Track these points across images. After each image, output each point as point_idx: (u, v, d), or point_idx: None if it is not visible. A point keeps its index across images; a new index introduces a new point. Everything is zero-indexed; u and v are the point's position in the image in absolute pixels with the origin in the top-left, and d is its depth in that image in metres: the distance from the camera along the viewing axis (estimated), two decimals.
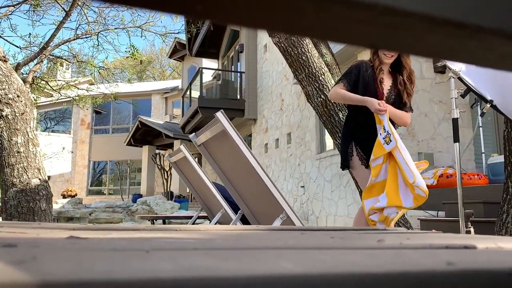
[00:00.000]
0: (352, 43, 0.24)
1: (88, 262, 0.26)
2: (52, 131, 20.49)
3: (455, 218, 3.58)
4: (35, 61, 6.84)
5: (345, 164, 2.75)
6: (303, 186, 9.30)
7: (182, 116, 14.17)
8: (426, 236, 0.67)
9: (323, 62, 3.83)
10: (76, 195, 17.28)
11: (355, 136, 2.69)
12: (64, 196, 16.88)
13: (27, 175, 3.39)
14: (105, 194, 20.33)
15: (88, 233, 0.58)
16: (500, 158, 4.72)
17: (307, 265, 0.26)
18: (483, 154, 5.78)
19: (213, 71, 14.77)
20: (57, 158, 17.81)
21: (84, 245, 0.37)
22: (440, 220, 4.57)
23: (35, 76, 8.50)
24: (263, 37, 11.49)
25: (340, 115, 3.62)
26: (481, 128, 5.80)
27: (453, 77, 3.15)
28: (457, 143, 3.17)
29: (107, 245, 0.37)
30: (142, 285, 0.20)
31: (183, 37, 14.97)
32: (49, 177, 17.98)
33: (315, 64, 3.70)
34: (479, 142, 5.86)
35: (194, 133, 2.88)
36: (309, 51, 3.72)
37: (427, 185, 2.53)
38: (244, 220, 3.13)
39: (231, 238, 0.54)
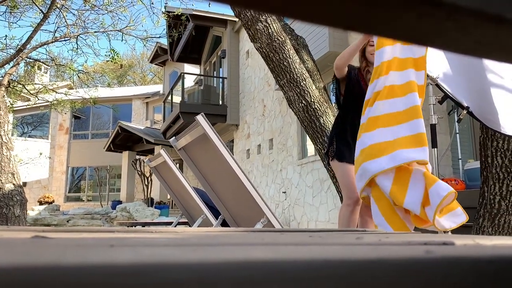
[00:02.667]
0: (326, 23, 0.23)
1: (39, 253, 0.24)
2: (29, 136, 20.03)
3: None
4: (11, 64, 6.68)
5: (326, 156, 2.81)
6: (284, 192, 9.32)
7: (163, 122, 14.05)
8: (405, 235, 0.67)
9: (304, 68, 3.86)
10: (53, 201, 16.88)
11: (338, 134, 2.72)
12: (41, 203, 16.47)
13: (0, 180, 3.28)
14: (83, 200, 19.92)
15: (57, 234, 0.55)
16: (476, 164, 4.83)
17: (280, 254, 0.25)
18: (460, 160, 5.90)
19: (195, 76, 14.72)
20: (34, 164, 17.40)
21: (47, 243, 0.35)
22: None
23: (11, 79, 8.29)
24: (245, 43, 11.52)
25: (321, 121, 3.64)
26: (458, 135, 5.93)
27: (430, 84, 3.21)
28: (435, 149, 3.23)
29: (72, 242, 0.35)
30: (91, 270, 0.18)
31: (164, 42, 14.88)
32: (25, 183, 17.54)
33: (296, 70, 3.72)
34: (456, 148, 5.99)
35: (174, 137, 2.84)
36: (291, 57, 3.74)
37: None
38: (225, 226, 3.10)
39: (207, 237, 0.53)
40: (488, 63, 2.92)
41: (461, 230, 3.96)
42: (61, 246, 0.29)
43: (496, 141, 3.07)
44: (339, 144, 2.66)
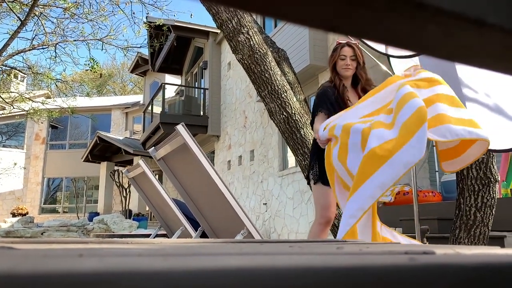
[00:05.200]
0: (309, 24, 0.22)
1: None
2: (3, 146, 19.48)
3: (411, 234, 3.67)
4: None
5: (307, 178, 2.79)
6: (265, 204, 9.29)
7: (143, 132, 13.89)
8: (386, 245, 0.66)
9: (285, 80, 3.88)
10: (27, 213, 16.38)
11: (319, 154, 2.69)
12: (14, 215, 15.96)
13: None
14: (59, 212, 19.42)
15: (26, 245, 0.53)
16: (453, 176, 4.93)
17: (258, 263, 0.23)
18: (437, 172, 6.02)
19: (176, 87, 14.66)
20: (7, 174, 16.90)
21: (10, 253, 0.33)
22: None
23: None
24: (227, 55, 11.57)
25: (302, 132, 3.66)
26: (434, 148, 6.06)
27: None
28: None
29: (39, 252, 0.33)
30: (47, 279, 0.16)
31: (145, 52, 14.80)
32: None
33: (277, 82, 3.74)
34: (433, 160, 6.12)
35: (153, 147, 2.80)
36: (272, 69, 3.77)
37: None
38: (205, 237, 3.06)
39: (183, 248, 0.51)
40: (463, 77, 3.00)
41: (438, 241, 4.02)
42: (24, 257, 0.27)
43: None
44: (322, 168, 2.63)
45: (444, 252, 0.40)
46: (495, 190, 3.15)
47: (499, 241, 3.94)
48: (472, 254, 0.36)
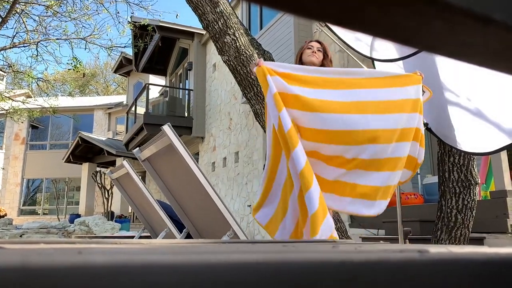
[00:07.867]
0: (316, 17, 0.22)
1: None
2: None
3: (394, 236, 3.72)
4: None
5: None
6: (249, 205, 9.29)
7: (126, 133, 13.73)
8: (378, 245, 0.67)
9: None
10: (5, 215, 15.98)
11: None
12: None
13: None
14: (39, 214, 19.01)
15: (14, 245, 0.51)
16: (434, 179, 5.02)
17: (268, 257, 0.23)
18: (418, 175, 6.11)
19: (160, 87, 14.54)
20: None
21: (3, 252, 0.31)
22: (380, 238, 4.74)
23: None
24: (212, 56, 11.54)
25: None
26: None
27: None
28: None
29: (32, 252, 0.32)
30: (61, 272, 0.16)
31: (129, 52, 14.64)
32: None
33: None
34: None
35: (138, 148, 2.77)
36: None
37: None
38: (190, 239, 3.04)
39: (176, 247, 0.50)
40: (446, 82, 3.06)
41: (420, 242, 4.07)
42: (21, 255, 0.26)
43: (453, 156, 3.20)
44: None
45: (438, 251, 0.41)
46: (475, 193, 3.22)
47: (478, 243, 4.02)
48: (468, 252, 0.37)
